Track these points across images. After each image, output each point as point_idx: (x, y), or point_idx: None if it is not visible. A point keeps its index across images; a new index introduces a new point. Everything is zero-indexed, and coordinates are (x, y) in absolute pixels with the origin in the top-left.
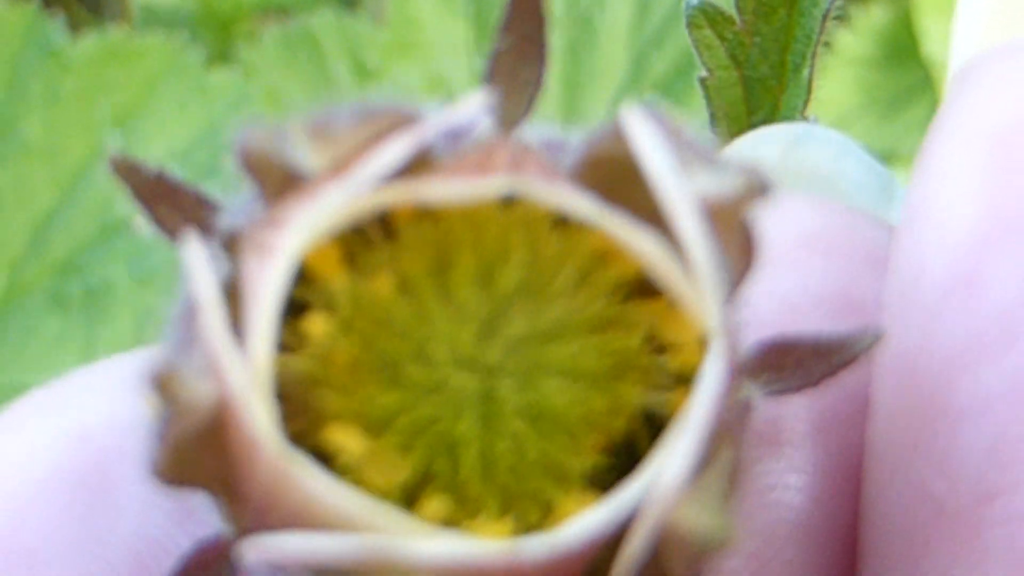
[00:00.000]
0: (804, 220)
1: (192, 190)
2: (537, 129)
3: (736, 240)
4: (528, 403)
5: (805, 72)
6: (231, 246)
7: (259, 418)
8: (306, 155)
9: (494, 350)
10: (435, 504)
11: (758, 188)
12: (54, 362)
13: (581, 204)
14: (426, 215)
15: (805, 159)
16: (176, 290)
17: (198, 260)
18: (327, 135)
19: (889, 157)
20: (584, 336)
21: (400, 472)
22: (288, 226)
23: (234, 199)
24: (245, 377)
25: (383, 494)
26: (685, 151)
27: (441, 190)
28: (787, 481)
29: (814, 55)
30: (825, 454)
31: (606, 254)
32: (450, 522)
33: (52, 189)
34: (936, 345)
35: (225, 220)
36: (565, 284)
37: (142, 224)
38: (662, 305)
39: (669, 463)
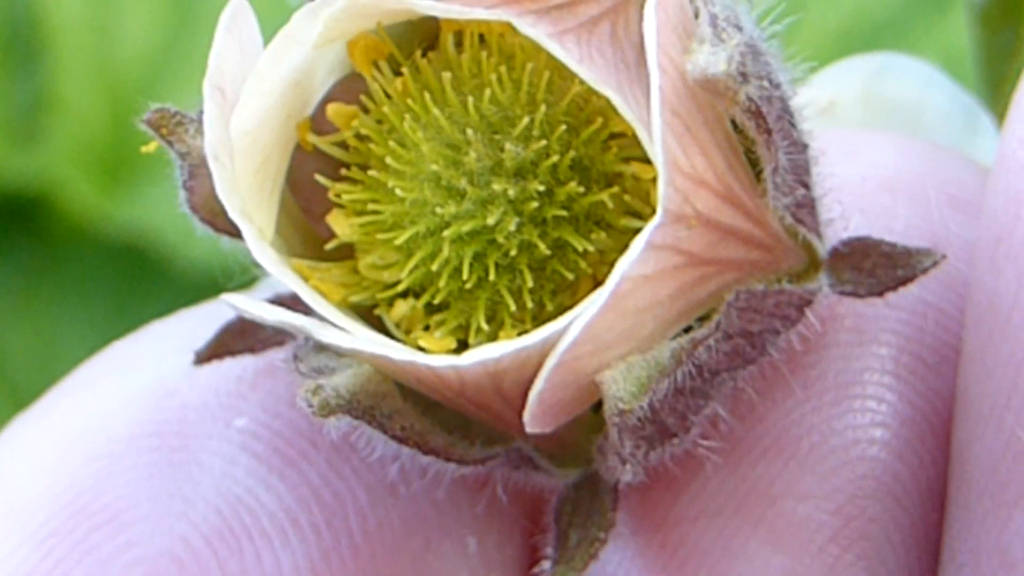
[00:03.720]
0: (886, 162)
1: None
2: None
3: (745, 114)
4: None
5: None
6: None
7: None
8: None
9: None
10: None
11: (746, 69)
12: None
13: (554, 47)
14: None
15: (888, 90)
16: None
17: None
18: None
19: None
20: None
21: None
22: None
23: None
24: (218, 131)
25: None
26: (703, 26)
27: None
28: (871, 436)
29: None
30: (909, 408)
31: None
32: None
33: None
34: None
35: None
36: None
37: None
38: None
39: (584, 309)
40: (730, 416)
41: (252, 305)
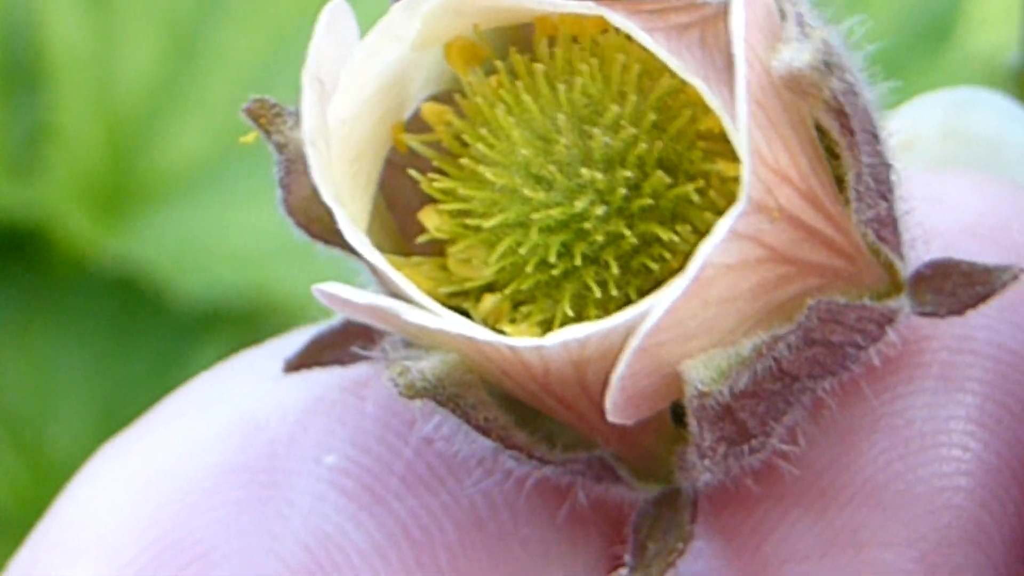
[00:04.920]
0: (970, 205)
1: None
2: None
3: (829, 114)
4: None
5: None
6: None
7: (314, 156)
8: None
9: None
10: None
11: (829, 64)
12: (261, 223)
13: (644, 37)
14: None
15: (969, 125)
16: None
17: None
18: None
19: None
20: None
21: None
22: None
23: None
24: (316, 119)
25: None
26: (790, 27)
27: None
28: (956, 484)
29: None
30: (994, 456)
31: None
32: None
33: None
34: None
35: None
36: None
37: None
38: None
39: (667, 293)
40: (815, 452)
41: (343, 289)
